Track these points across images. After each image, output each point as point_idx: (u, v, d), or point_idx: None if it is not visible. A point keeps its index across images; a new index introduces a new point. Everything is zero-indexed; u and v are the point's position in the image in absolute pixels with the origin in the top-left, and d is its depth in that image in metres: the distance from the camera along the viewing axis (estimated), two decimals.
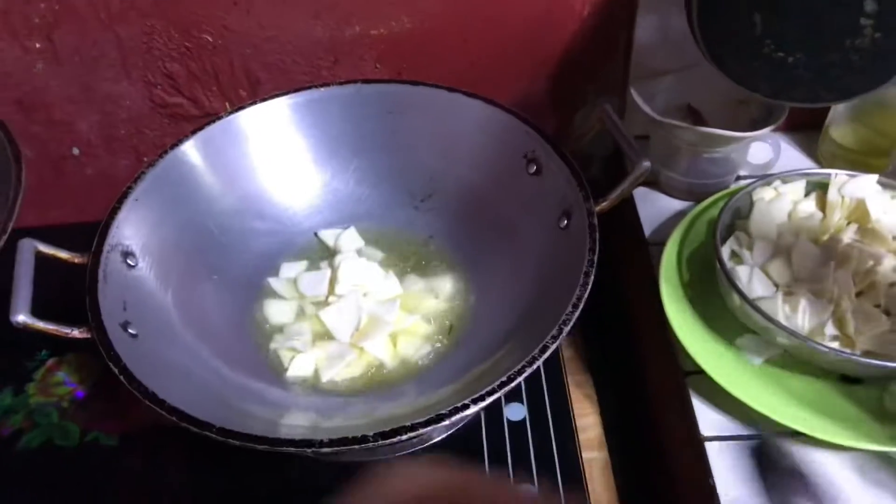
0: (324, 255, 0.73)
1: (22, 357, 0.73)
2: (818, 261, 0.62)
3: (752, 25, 0.59)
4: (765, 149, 0.75)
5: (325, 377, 0.63)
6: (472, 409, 0.49)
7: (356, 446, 0.48)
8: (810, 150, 0.80)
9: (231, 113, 0.70)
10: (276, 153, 0.72)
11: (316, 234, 0.74)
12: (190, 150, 0.68)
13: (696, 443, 0.59)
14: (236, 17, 0.74)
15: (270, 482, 0.63)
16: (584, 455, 0.66)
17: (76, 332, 0.56)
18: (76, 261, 0.61)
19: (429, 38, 0.76)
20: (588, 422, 0.70)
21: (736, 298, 0.60)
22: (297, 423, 0.58)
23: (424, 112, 0.72)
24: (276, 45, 0.76)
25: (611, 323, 0.79)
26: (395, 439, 0.48)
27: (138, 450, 0.66)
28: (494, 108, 0.69)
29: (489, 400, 0.49)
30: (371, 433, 0.48)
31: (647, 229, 0.75)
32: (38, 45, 0.76)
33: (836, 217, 0.66)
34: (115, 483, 0.64)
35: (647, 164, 0.60)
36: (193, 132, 0.68)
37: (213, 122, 0.69)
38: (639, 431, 0.72)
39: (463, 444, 0.63)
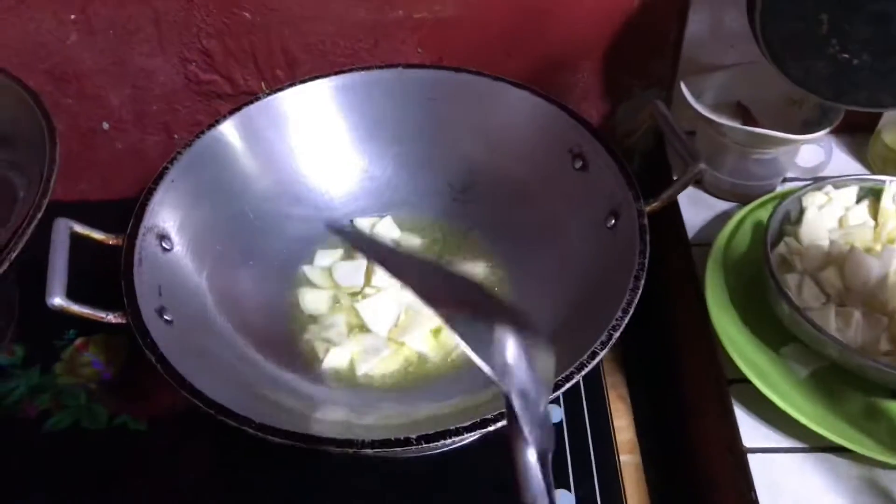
0: None
1: (50, 335, 0.72)
2: (873, 272, 0.60)
3: (818, 24, 0.57)
4: (816, 152, 0.72)
5: (360, 371, 0.62)
6: None
7: (398, 448, 0.47)
8: (860, 154, 0.78)
9: (271, 93, 0.69)
10: (314, 136, 0.71)
11: (352, 222, 0.73)
12: (228, 129, 0.66)
13: (737, 453, 0.58)
14: None
15: (298, 471, 0.62)
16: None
17: (111, 317, 0.55)
18: (111, 242, 0.60)
19: (472, 25, 0.74)
20: (621, 424, 0.69)
21: (785, 307, 0.58)
22: (330, 418, 0.57)
23: (467, 100, 0.70)
24: (316, 26, 0.75)
25: (648, 324, 0.78)
26: (438, 442, 0.47)
27: (167, 435, 0.65)
28: (540, 99, 0.68)
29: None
30: (414, 436, 0.47)
31: (690, 230, 0.73)
32: (72, 17, 0.74)
33: (891, 226, 0.64)
34: (144, 469, 0.63)
35: (702, 165, 0.59)
36: (231, 112, 0.67)
37: (252, 102, 0.68)
38: (672, 436, 0.71)
39: (499, 445, 0.62)
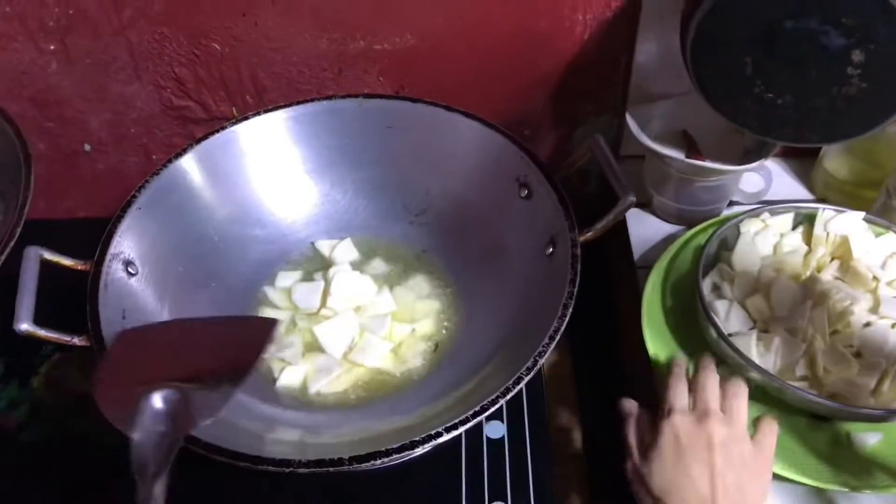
0: (319, 265, 0.75)
1: (28, 350, 0.76)
2: (796, 299, 0.63)
3: (743, 66, 0.60)
4: (757, 177, 0.76)
5: (312, 389, 0.66)
6: (444, 437, 0.52)
7: (330, 468, 0.50)
8: (804, 178, 0.81)
9: (233, 124, 0.72)
10: (276, 164, 0.74)
11: (313, 244, 0.77)
12: (190, 161, 0.70)
13: None
14: (244, 28, 0.76)
15: (276, 483, 0.66)
16: (564, 466, 0.69)
17: (76, 340, 0.59)
18: (79, 268, 0.63)
19: (431, 55, 0.77)
20: (571, 436, 0.73)
21: (712, 332, 0.61)
22: (284, 437, 0.60)
23: (423, 129, 0.74)
24: (282, 56, 0.78)
25: (601, 341, 0.81)
26: (369, 463, 0.51)
27: None
28: (490, 130, 0.71)
29: (458, 431, 0.51)
30: (347, 456, 0.51)
31: (638, 251, 0.76)
32: (52, 47, 0.78)
33: (820, 253, 0.67)
34: (120, 481, 0.67)
35: (632, 198, 0.62)
36: (192, 144, 0.70)
37: (214, 133, 0.71)
38: (618, 451, 0.74)
39: (442, 461, 0.65)
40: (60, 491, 0.68)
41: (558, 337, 0.57)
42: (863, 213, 0.68)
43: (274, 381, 0.66)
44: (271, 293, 0.73)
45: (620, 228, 0.78)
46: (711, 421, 0.51)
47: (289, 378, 0.66)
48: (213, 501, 0.66)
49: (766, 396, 0.61)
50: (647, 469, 0.52)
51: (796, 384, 0.58)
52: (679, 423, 0.52)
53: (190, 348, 0.49)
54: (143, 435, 0.47)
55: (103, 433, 0.69)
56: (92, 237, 0.65)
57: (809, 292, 0.63)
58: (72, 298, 0.62)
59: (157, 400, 0.47)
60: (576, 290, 0.59)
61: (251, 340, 0.48)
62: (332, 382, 0.66)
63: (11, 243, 0.63)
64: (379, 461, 0.51)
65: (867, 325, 0.62)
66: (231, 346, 0.48)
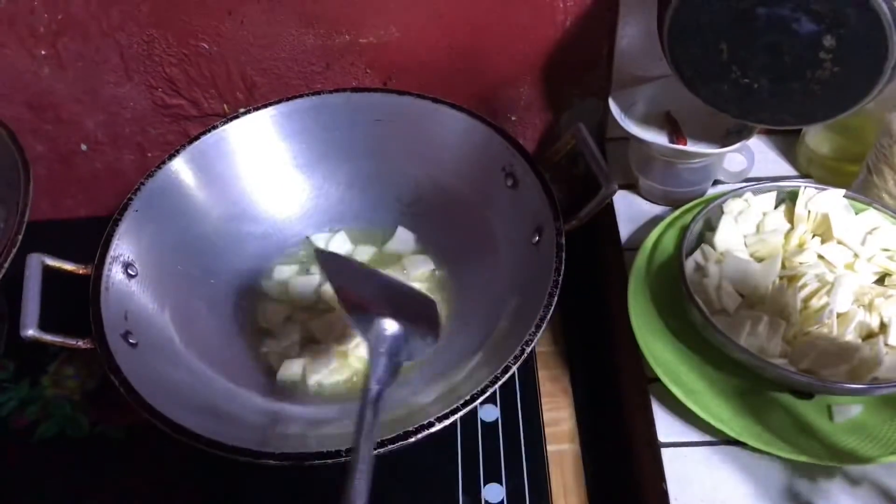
0: (315, 258, 0.77)
1: (37, 351, 0.78)
2: (777, 277, 0.65)
3: (718, 52, 0.62)
4: (740, 157, 0.77)
5: (311, 380, 0.68)
6: (436, 427, 0.54)
7: (328, 461, 0.53)
8: (789, 154, 0.82)
9: (223, 123, 0.74)
10: (268, 160, 0.76)
11: (308, 238, 0.78)
12: (182, 162, 0.72)
13: (654, 447, 0.63)
14: (230, 26, 0.77)
15: (276, 478, 0.68)
16: (556, 447, 0.71)
17: (81, 343, 0.61)
18: (81, 272, 0.65)
19: (416, 47, 0.78)
20: (563, 415, 0.75)
21: (696, 313, 0.63)
22: (285, 431, 0.63)
23: (410, 121, 0.75)
24: (269, 53, 0.79)
25: (592, 321, 0.83)
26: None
27: (145, 442, 0.71)
28: (475, 121, 0.72)
29: (449, 420, 0.54)
30: (343, 448, 0.53)
31: (626, 233, 0.78)
32: (43, 52, 0.80)
33: (802, 231, 0.69)
34: (123, 474, 0.70)
35: (614, 186, 0.63)
36: (184, 145, 0.72)
37: (205, 133, 0.73)
38: (610, 429, 0.76)
39: (438, 444, 0.68)
40: (69, 488, 0.70)
41: (544, 326, 0.58)
42: (843, 191, 0.69)
43: (274, 373, 0.69)
44: (268, 286, 0.75)
45: (608, 211, 0.80)
46: None
47: (288, 370, 0.68)
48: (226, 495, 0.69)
49: (751, 374, 0.63)
50: None
51: (777, 362, 0.60)
52: None
53: (391, 296, 0.54)
54: (370, 350, 0.53)
55: (111, 429, 0.73)
56: (93, 237, 0.67)
57: (788, 271, 0.65)
58: (76, 301, 0.64)
59: (387, 325, 0.53)
60: (561, 279, 0.61)
61: (424, 309, 0.52)
62: (330, 374, 0.68)
63: (14, 251, 0.65)
64: (374, 451, 0.53)
65: (843, 303, 0.63)
66: (413, 306, 0.53)
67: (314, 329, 0.70)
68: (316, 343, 0.70)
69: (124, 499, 0.69)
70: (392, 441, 0.53)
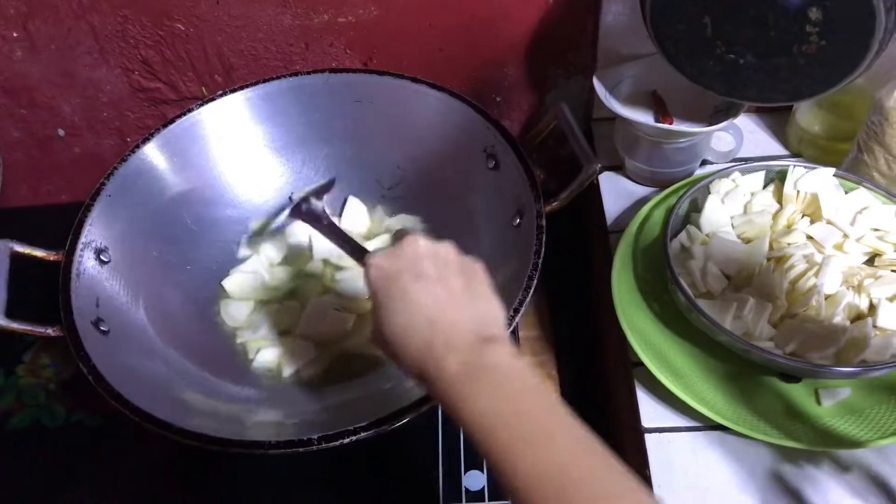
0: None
1: (12, 340, 0.77)
2: (764, 259, 0.63)
3: (702, 27, 0.60)
4: (729, 136, 0.75)
5: (287, 370, 0.66)
6: (411, 415, 0.52)
7: (300, 449, 0.51)
8: (779, 133, 0.81)
9: (198, 107, 0.72)
10: (243, 143, 0.74)
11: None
12: (155, 148, 0.70)
13: (638, 432, 0.62)
14: (206, 6, 0.75)
15: (255, 465, 0.67)
16: None
17: (50, 331, 0.60)
18: (52, 258, 0.64)
19: (396, 26, 0.76)
20: None
21: (680, 296, 0.62)
22: (261, 419, 0.61)
23: (390, 102, 0.74)
24: (246, 33, 0.78)
25: (579, 306, 0.82)
26: (337, 443, 0.52)
27: (121, 430, 0.70)
28: (456, 101, 0.71)
29: (423, 408, 0.52)
30: (316, 436, 0.52)
31: (612, 215, 0.76)
32: (14, 34, 0.78)
33: (791, 211, 0.67)
34: (100, 462, 0.69)
35: (595, 166, 0.62)
36: (158, 129, 0.70)
37: (179, 117, 0.71)
38: (596, 416, 0.75)
39: (419, 431, 0.67)
40: (44, 477, 0.69)
41: (523, 309, 0.57)
42: (833, 170, 0.67)
43: (250, 361, 0.67)
44: (243, 275, 0.73)
45: (594, 193, 0.78)
46: (408, 242, 0.47)
47: (264, 358, 0.67)
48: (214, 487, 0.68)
49: (737, 358, 0.62)
50: (378, 327, 0.46)
51: (763, 345, 0.59)
52: (378, 260, 0.47)
53: None
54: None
55: (87, 418, 0.72)
56: (72, 222, 0.65)
57: (776, 252, 0.63)
58: (49, 289, 0.62)
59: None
60: (541, 261, 0.59)
61: None
62: (307, 363, 0.67)
63: None
64: (347, 440, 0.52)
65: (832, 284, 0.62)
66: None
67: (290, 316, 0.69)
68: (291, 331, 0.69)
69: (100, 488, 0.68)
70: (370, 427, 0.52)
